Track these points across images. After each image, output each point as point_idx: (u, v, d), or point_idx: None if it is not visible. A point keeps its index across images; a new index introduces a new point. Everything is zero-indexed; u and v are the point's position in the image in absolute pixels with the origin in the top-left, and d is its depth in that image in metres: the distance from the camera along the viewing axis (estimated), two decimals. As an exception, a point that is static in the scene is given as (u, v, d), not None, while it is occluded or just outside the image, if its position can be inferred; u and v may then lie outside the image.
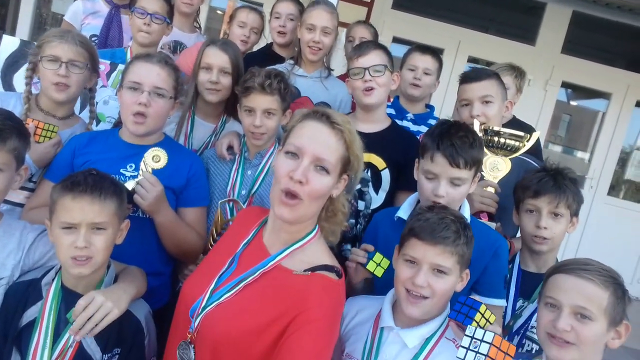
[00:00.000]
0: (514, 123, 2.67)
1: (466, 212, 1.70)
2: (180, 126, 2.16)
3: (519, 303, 1.83)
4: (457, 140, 1.58)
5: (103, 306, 1.34)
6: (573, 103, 6.20)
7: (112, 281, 1.47)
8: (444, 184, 1.59)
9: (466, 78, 2.14)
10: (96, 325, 1.33)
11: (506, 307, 1.78)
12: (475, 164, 1.62)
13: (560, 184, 1.81)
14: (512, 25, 5.65)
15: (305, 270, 1.31)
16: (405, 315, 1.41)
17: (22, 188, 1.78)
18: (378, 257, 1.58)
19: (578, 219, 1.86)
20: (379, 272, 1.57)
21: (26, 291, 1.44)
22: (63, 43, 1.86)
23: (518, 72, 2.88)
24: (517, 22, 5.69)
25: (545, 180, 1.82)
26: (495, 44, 5.41)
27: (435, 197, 1.60)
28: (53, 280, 1.44)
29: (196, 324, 1.28)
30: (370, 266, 1.58)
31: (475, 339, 1.24)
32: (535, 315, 1.70)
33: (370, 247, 1.63)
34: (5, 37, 2.34)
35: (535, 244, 1.84)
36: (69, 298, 1.41)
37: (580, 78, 5.52)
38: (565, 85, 5.63)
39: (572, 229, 1.85)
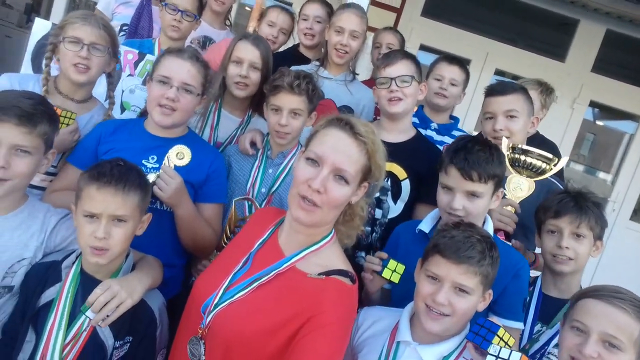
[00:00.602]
0: (537, 139, 2.62)
1: (489, 230, 1.67)
2: (204, 118, 2.18)
3: (537, 327, 1.79)
4: (472, 155, 1.58)
5: (117, 295, 1.36)
6: (599, 123, 6.08)
7: (129, 269, 1.49)
8: (459, 197, 1.59)
9: (492, 91, 2.11)
10: (108, 315, 1.35)
11: (523, 330, 1.74)
12: (492, 179, 1.60)
13: (582, 205, 1.78)
14: (542, 40, 5.55)
15: (319, 274, 1.31)
16: (425, 330, 1.39)
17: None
18: (392, 263, 1.56)
19: (602, 243, 1.82)
20: (395, 278, 1.55)
21: (46, 272, 1.47)
22: (86, 25, 1.86)
23: (545, 88, 2.83)
24: (548, 38, 5.59)
25: (567, 200, 1.79)
26: (523, 58, 5.33)
27: (451, 209, 1.59)
28: (73, 264, 1.47)
29: (208, 320, 1.29)
30: (386, 273, 1.56)
31: (501, 358, 1.22)
32: (553, 341, 1.69)
33: (384, 255, 1.62)
34: (37, 20, 2.37)
35: (557, 263, 1.79)
36: (86, 283, 1.43)
37: (610, 98, 5.40)
38: (593, 104, 5.52)
39: (597, 252, 1.81)
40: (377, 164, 1.35)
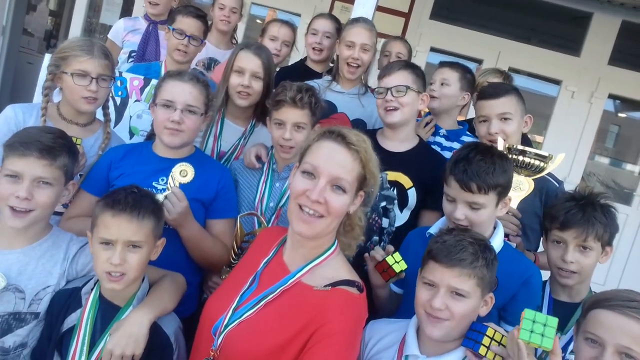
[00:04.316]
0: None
1: (498, 236, 1.66)
2: (209, 127, 2.20)
3: (551, 334, 1.75)
4: (472, 165, 1.58)
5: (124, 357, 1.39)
6: (621, 115, 5.93)
7: (144, 296, 1.54)
8: (461, 207, 1.60)
9: (484, 94, 2.11)
10: None
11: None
12: (494, 189, 1.59)
13: (590, 216, 1.71)
14: (555, 35, 5.47)
15: (325, 286, 1.33)
16: (426, 335, 1.40)
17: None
18: (397, 256, 1.58)
19: (612, 248, 1.77)
20: (397, 268, 1.58)
21: (68, 299, 1.53)
22: (93, 58, 1.87)
23: (505, 77, 2.81)
24: (561, 32, 5.50)
25: (573, 212, 1.72)
26: (536, 55, 5.25)
27: (454, 219, 1.61)
28: (92, 290, 1.53)
29: (219, 341, 1.32)
30: (389, 259, 1.58)
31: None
32: (569, 347, 1.65)
33: (391, 248, 1.64)
34: (47, 55, 2.43)
35: (562, 277, 1.75)
36: (105, 308, 1.49)
37: (629, 90, 5.26)
38: (612, 97, 5.38)
39: (605, 259, 1.76)
40: (371, 172, 1.37)
